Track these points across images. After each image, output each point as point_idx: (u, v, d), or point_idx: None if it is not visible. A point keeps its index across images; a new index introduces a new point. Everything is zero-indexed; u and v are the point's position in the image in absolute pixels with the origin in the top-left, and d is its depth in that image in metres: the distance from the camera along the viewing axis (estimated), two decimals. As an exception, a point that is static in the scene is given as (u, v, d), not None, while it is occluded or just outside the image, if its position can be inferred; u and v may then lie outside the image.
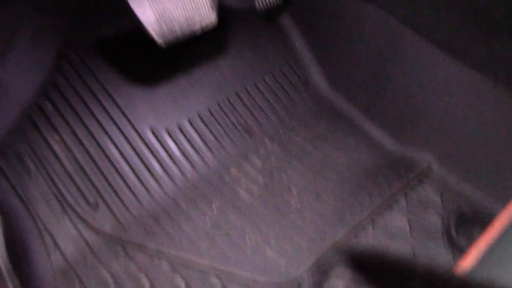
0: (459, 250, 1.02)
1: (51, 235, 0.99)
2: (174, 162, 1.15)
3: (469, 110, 1.05)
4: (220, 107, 1.25)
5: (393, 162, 1.20)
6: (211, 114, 1.23)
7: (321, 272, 0.97)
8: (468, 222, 1.06)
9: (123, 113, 1.15)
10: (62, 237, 0.99)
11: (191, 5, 1.00)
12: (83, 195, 1.05)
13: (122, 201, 1.07)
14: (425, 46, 1.08)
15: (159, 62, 1.24)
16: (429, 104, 1.13)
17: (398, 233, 1.04)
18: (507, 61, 0.96)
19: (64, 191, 1.04)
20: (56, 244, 0.98)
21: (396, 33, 1.13)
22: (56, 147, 1.08)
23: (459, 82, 1.05)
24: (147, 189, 1.10)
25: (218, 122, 1.23)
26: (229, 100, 1.26)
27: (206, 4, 1.02)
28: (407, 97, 1.18)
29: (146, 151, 1.14)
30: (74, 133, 1.10)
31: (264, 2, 1.34)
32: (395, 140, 1.24)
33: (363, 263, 0.89)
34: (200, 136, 1.20)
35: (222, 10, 1.13)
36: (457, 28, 1.01)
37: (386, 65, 1.19)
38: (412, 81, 1.15)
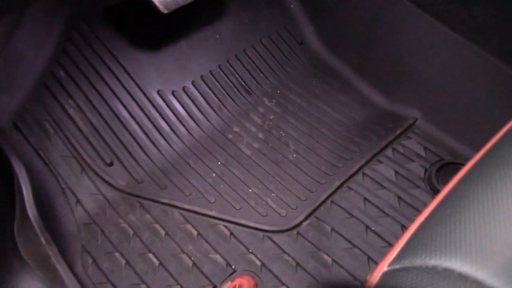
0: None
1: (72, 192, 1.09)
2: (181, 122, 1.24)
3: (450, 70, 1.15)
4: (221, 70, 1.33)
5: (382, 118, 1.30)
6: (213, 76, 1.31)
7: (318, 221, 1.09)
8: (448, 171, 1.17)
9: (131, 77, 1.23)
10: (82, 194, 1.10)
11: (194, -25, 1.06)
12: (99, 154, 1.15)
13: (134, 158, 1.17)
14: (412, 10, 1.16)
15: (162, 28, 1.30)
16: (415, 64, 1.22)
17: (385, 182, 1.15)
18: (484, 24, 1.05)
19: (81, 151, 1.13)
20: (78, 200, 1.08)
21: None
22: (71, 111, 1.16)
23: (442, 44, 1.14)
24: (156, 147, 1.20)
25: (220, 84, 1.31)
26: (229, 63, 1.34)
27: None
28: (395, 57, 1.26)
29: (154, 112, 1.23)
30: (86, 98, 1.18)
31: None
32: (384, 97, 1.33)
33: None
34: (203, 97, 1.28)
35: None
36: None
37: (376, 26, 1.27)
38: (400, 42, 1.23)
